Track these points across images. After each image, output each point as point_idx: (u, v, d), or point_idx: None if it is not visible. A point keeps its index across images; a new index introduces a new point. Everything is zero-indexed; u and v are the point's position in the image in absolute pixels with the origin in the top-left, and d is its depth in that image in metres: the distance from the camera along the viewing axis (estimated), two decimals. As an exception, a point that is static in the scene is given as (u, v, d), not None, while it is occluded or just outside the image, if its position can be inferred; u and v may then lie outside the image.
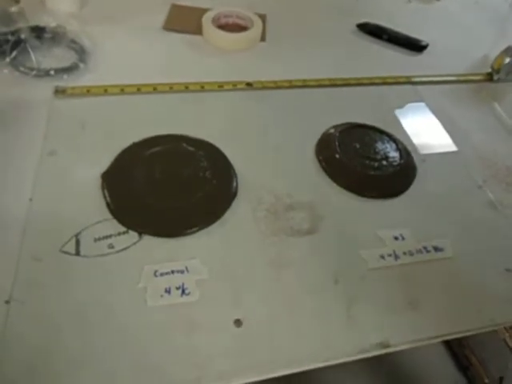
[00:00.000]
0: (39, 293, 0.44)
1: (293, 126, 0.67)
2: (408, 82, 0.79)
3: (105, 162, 0.56)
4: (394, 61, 0.85)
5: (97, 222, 0.50)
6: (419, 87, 0.78)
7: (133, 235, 0.50)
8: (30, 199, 0.51)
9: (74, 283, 0.45)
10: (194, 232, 0.51)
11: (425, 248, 0.53)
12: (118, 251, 0.48)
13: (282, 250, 0.51)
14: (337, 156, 0.60)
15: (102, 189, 0.53)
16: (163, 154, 0.58)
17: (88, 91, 0.66)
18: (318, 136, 0.65)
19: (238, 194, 0.56)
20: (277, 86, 0.73)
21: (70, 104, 0.64)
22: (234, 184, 0.56)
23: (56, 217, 0.50)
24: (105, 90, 0.66)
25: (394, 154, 0.62)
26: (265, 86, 0.73)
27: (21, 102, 0.63)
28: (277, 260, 0.50)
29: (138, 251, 0.49)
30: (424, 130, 0.70)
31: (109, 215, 0.51)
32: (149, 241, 0.50)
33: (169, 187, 0.54)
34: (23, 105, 0.62)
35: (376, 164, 0.60)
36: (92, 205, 0.52)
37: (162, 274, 0.47)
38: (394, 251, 0.52)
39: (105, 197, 0.52)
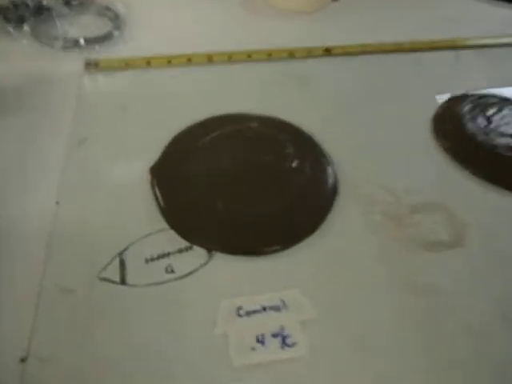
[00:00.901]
0: (69, 344, 0.29)
1: (392, 98, 0.50)
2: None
3: (153, 152, 0.41)
4: None
5: (147, 234, 0.35)
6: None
7: (200, 253, 0.34)
8: (57, 203, 0.37)
9: (118, 327, 0.30)
10: (285, 248, 0.35)
11: None
12: (180, 277, 0.33)
13: (415, 270, 0.35)
14: (469, 136, 0.43)
15: (153, 188, 0.38)
16: (231, 138, 0.42)
17: (126, 64, 0.51)
18: (431, 111, 0.48)
19: (339, 191, 0.40)
20: (362, 50, 0.57)
21: (105, 80, 0.50)
22: (333, 177, 0.40)
23: (91, 228, 0.36)
24: (147, 63, 0.52)
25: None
26: (347, 52, 0.57)
27: (44, 78, 0.49)
28: (412, 285, 0.34)
29: (208, 277, 0.33)
30: None
31: (164, 224, 0.36)
32: (223, 261, 0.34)
33: (245, 184, 0.38)
34: (47, 82, 0.48)
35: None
36: (140, 211, 0.37)
37: (248, 313, 0.31)
38: None
39: (156, 198, 0.37)
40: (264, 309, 0.31)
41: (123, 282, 0.32)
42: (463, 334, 0.31)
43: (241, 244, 0.35)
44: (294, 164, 0.40)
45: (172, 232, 0.35)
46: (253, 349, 0.29)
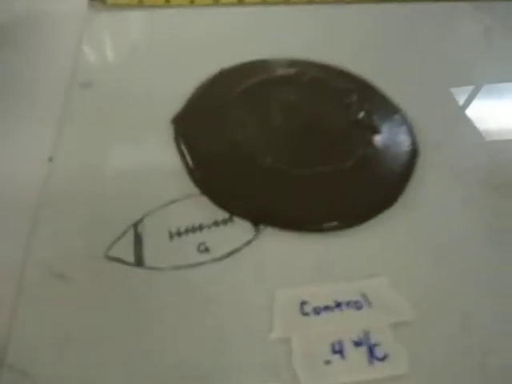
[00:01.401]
0: (60, 351, 0.21)
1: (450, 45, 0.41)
2: None
3: (175, 102, 0.32)
4: None
5: (171, 200, 0.26)
6: None
7: (243, 227, 0.25)
8: (50, 159, 0.28)
9: (132, 327, 0.21)
10: (359, 223, 0.26)
11: None
12: (217, 258, 0.24)
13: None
14: None
15: (177, 143, 0.29)
16: (277, 85, 0.32)
17: (141, 1, 0.42)
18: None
19: (421, 152, 0.30)
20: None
21: (114, 18, 0.41)
22: (410, 135, 0.31)
23: (94, 192, 0.27)
24: (166, 0, 0.43)
25: None
26: None
27: (40, 14, 0.40)
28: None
29: (256, 258, 0.24)
30: None
31: (193, 189, 0.27)
32: (275, 239, 0.25)
33: (299, 140, 0.29)
34: (44, 18, 0.39)
35: None
36: (160, 171, 0.28)
37: (317, 311, 0.22)
38: None
39: (182, 156, 0.28)
40: (338, 305, 0.22)
41: (139, 262, 0.23)
42: None
43: (299, 217, 0.25)
44: (360, 116, 0.31)
45: (204, 199, 0.26)
46: (327, 362, 0.20)
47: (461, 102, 0.34)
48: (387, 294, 0.23)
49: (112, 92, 0.33)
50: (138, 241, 0.24)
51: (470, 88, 0.36)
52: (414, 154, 0.29)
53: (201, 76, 0.34)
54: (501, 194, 0.28)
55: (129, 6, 0.41)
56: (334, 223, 0.25)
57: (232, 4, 0.43)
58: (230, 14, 0.43)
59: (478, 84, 0.36)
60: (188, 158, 0.28)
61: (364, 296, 0.22)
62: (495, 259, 0.25)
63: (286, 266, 0.24)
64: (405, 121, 0.31)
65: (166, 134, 0.30)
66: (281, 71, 0.34)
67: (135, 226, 0.24)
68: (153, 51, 0.38)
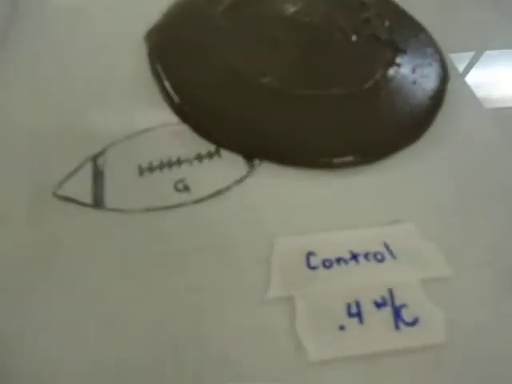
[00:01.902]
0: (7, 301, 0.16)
1: None
2: None
3: (152, 15, 0.26)
4: None
5: (143, 130, 0.21)
6: None
7: (233, 162, 0.20)
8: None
9: (87, 286, 0.16)
10: (377, 159, 0.21)
11: None
12: (199, 199, 0.19)
13: None
14: None
15: (151, 62, 0.23)
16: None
17: None
18: None
19: (451, 78, 0.25)
20: None
21: None
22: (441, 60, 0.25)
23: (43, 114, 0.21)
24: None
25: None
26: None
27: None
28: None
29: (248, 199, 0.19)
30: None
31: (171, 116, 0.21)
32: (275, 176, 0.20)
33: (305, 56, 0.23)
34: None
35: None
36: (128, 95, 0.22)
37: (327, 264, 0.17)
38: None
39: (158, 77, 0.22)
40: (354, 256, 0.17)
41: (98, 203, 0.18)
42: None
43: (303, 149, 0.20)
44: (380, 32, 0.25)
45: (185, 128, 0.21)
46: (341, 328, 0.16)
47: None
48: (415, 243, 0.18)
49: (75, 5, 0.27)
50: (98, 177, 0.19)
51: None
52: (443, 79, 0.24)
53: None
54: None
55: None
56: (348, 158, 0.20)
57: None
58: None
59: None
60: (164, 79, 0.22)
61: (386, 246, 0.18)
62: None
63: (287, 209, 0.19)
64: (432, 42, 0.26)
65: (138, 51, 0.24)
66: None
67: (94, 159, 0.19)
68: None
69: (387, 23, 0.25)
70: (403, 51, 0.24)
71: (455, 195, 0.20)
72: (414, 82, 0.23)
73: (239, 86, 0.21)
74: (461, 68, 0.26)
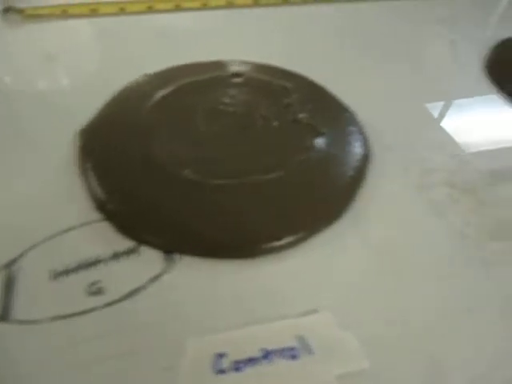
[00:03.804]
0: None
1: (428, 43, 0.37)
2: None
3: (88, 110, 0.27)
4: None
5: (64, 230, 0.21)
6: None
7: (152, 258, 0.20)
8: None
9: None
10: (296, 243, 0.21)
11: None
12: (112, 302, 0.18)
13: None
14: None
15: (81, 159, 0.24)
16: (205, 88, 0.28)
17: (64, 11, 0.38)
18: (479, 56, 0.35)
19: (374, 156, 0.26)
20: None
21: (32, 29, 0.36)
22: (360, 137, 0.26)
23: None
24: (92, 10, 0.38)
25: None
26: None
27: None
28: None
29: (164, 298, 0.19)
30: None
31: (94, 214, 0.22)
32: (192, 270, 0.20)
33: (226, 148, 0.24)
34: None
35: None
36: (57, 190, 0.23)
37: (236, 366, 0.16)
38: None
39: (85, 174, 0.23)
40: (267, 355, 0.17)
41: (4, 315, 0.18)
42: None
43: (221, 240, 0.20)
44: (301, 117, 0.26)
45: (107, 225, 0.21)
46: None
47: (421, 102, 0.30)
48: (332, 334, 0.17)
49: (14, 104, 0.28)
50: (9, 286, 0.18)
51: (427, 88, 0.32)
52: (365, 158, 0.25)
53: (123, 84, 0.30)
54: (478, 202, 0.24)
55: (50, 17, 0.37)
56: (265, 246, 0.20)
57: (168, 10, 0.40)
58: (165, 19, 0.39)
59: (435, 86, 0.32)
60: (91, 176, 0.23)
61: (302, 340, 0.17)
62: (469, 279, 0.20)
63: (202, 305, 0.18)
64: (355, 122, 0.27)
65: (70, 149, 0.25)
66: (214, 73, 0.29)
67: (8, 266, 0.19)
68: (69, 58, 0.33)
69: (309, 107, 0.27)
70: (323, 133, 0.25)
71: (376, 277, 0.20)
72: (335, 163, 0.24)
73: (161, 180, 0.22)
74: (386, 143, 0.27)
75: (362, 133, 0.26)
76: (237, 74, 0.29)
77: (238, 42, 0.36)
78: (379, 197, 0.23)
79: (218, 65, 0.30)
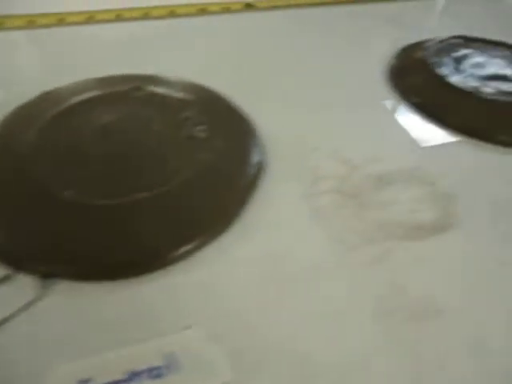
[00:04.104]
0: None
1: (333, 54, 0.38)
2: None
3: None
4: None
5: None
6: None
7: (27, 285, 0.19)
8: None
9: None
10: (175, 261, 0.21)
11: None
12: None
13: (395, 274, 0.22)
14: (441, 84, 0.32)
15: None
16: (101, 105, 0.28)
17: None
18: (382, 63, 0.37)
19: (269, 166, 0.27)
20: (289, 4, 0.46)
21: None
22: (257, 149, 0.27)
23: None
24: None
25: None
26: (272, 6, 0.45)
27: None
28: (388, 299, 0.21)
29: (35, 325, 0.18)
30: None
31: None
32: (68, 294, 0.19)
33: (113, 167, 0.24)
34: None
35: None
36: None
37: (100, 390, 0.17)
38: None
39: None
40: (131, 378, 0.17)
41: None
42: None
43: (97, 263, 0.20)
44: (198, 133, 0.26)
45: (-19, 253, 0.21)
46: None
47: (320, 114, 0.31)
48: (201, 350, 0.18)
49: None
50: None
51: (327, 97, 0.33)
52: (259, 168, 0.25)
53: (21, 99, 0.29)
54: (360, 206, 0.25)
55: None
56: (147, 265, 0.20)
57: (79, 23, 0.39)
58: (75, 31, 0.38)
59: (336, 95, 0.33)
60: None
61: (170, 358, 0.17)
62: (344, 282, 0.21)
63: (73, 331, 0.18)
64: (253, 132, 0.27)
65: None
66: (113, 88, 0.29)
67: None
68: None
69: (207, 119, 0.27)
70: (217, 145, 0.26)
71: (256, 289, 0.20)
72: (227, 174, 0.25)
73: (41, 203, 0.22)
74: (283, 152, 0.28)
75: (258, 143, 0.27)
76: (137, 88, 0.29)
77: (147, 54, 0.36)
78: (269, 206, 0.24)
79: (119, 79, 0.30)
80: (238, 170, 0.25)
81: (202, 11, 0.43)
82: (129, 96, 0.28)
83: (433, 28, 0.43)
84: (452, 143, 0.30)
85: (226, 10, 0.43)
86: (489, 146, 0.30)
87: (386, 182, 0.26)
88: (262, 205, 0.24)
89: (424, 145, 0.29)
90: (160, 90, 0.29)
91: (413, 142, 0.29)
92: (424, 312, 0.20)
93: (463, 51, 0.35)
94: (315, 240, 0.23)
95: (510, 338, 0.19)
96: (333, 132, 0.29)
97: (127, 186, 0.23)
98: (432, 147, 0.29)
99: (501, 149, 0.30)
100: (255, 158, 0.26)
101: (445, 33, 0.39)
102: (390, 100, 0.33)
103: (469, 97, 0.31)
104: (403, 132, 0.30)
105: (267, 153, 0.27)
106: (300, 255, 0.22)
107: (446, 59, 0.34)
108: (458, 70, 0.33)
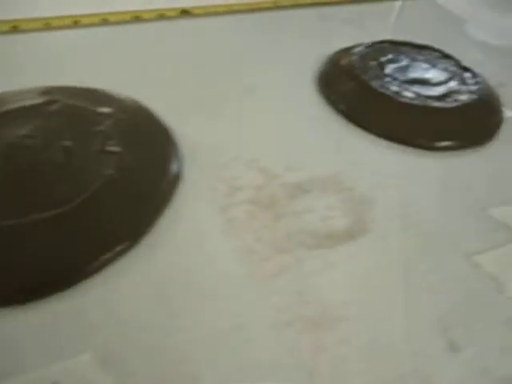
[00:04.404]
0: None
1: (264, 61, 0.38)
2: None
3: None
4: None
5: None
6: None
7: None
8: None
9: None
10: (82, 279, 0.20)
11: None
12: None
13: (301, 284, 0.22)
14: (365, 87, 0.32)
15: None
16: (9, 121, 0.27)
17: None
18: (313, 69, 0.37)
19: (185, 176, 0.26)
20: (230, 10, 0.45)
21: None
22: (175, 161, 0.26)
23: None
24: None
25: (461, 74, 0.35)
26: (208, 12, 0.45)
27: None
28: (291, 309, 0.21)
29: None
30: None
31: None
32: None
33: (14, 186, 0.23)
34: None
35: (438, 90, 0.33)
36: None
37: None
38: (541, 245, 0.24)
39: None
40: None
41: None
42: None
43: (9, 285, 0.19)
44: (110, 143, 0.26)
45: None
46: None
47: (244, 124, 0.31)
48: (87, 377, 0.17)
49: None
50: None
51: (252, 107, 0.33)
52: (173, 180, 0.25)
53: None
54: (275, 217, 0.25)
55: None
56: (47, 288, 0.19)
57: (3, 32, 0.38)
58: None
59: (264, 104, 0.34)
60: None
61: (55, 386, 0.17)
62: (249, 295, 0.21)
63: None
64: (171, 143, 0.27)
65: None
66: (26, 102, 0.28)
67: None
68: None
69: (122, 132, 0.27)
70: (130, 158, 0.25)
71: (152, 311, 0.20)
72: (137, 188, 0.24)
73: None
74: (202, 163, 0.27)
75: (177, 155, 0.27)
76: (52, 102, 0.28)
77: (74, 65, 0.35)
78: (182, 219, 0.24)
79: (35, 92, 0.29)
80: (152, 184, 0.24)
81: (136, 18, 0.42)
82: (42, 110, 0.27)
83: (387, 31, 0.44)
84: (375, 149, 0.30)
85: (161, 16, 0.43)
86: (410, 150, 0.30)
87: (304, 191, 0.26)
88: (174, 218, 0.24)
89: (347, 151, 0.29)
90: (78, 102, 0.29)
91: (336, 149, 0.30)
92: (325, 320, 0.20)
93: (389, 56, 0.36)
94: (224, 253, 0.22)
95: (407, 343, 0.20)
96: (255, 141, 0.29)
97: (29, 204, 0.22)
98: (355, 153, 0.29)
99: (421, 152, 0.30)
100: (172, 170, 0.25)
101: (399, 36, 0.40)
102: (316, 107, 0.33)
103: (390, 102, 0.31)
104: (327, 139, 0.30)
105: (186, 165, 0.27)
106: (208, 269, 0.22)
107: (371, 64, 0.34)
108: (381, 75, 0.33)
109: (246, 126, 0.30)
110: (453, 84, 0.33)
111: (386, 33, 0.43)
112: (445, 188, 0.27)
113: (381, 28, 0.45)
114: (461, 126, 0.31)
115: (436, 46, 0.39)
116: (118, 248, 0.21)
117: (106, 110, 0.28)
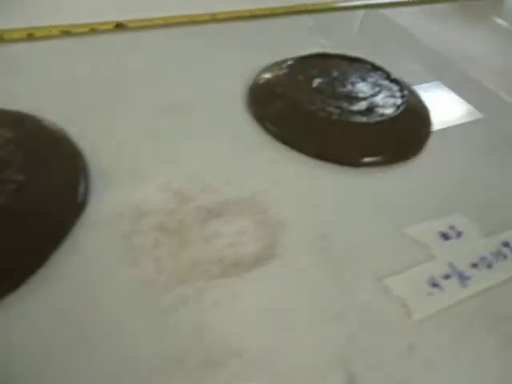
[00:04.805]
0: None
1: (196, 77, 0.37)
2: (366, 5, 0.54)
3: None
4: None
5: None
6: (384, 10, 0.53)
7: None
8: None
9: None
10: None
11: (506, 245, 0.25)
12: None
13: (199, 317, 0.21)
14: (291, 104, 0.32)
15: None
16: None
17: None
18: (245, 83, 0.36)
19: (91, 202, 0.25)
20: (166, 23, 0.44)
21: None
22: (82, 186, 0.25)
23: None
24: None
25: (390, 87, 0.34)
26: (144, 26, 0.43)
27: None
28: (187, 344, 0.20)
29: None
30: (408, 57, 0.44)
31: None
32: None
33: None
34: None
35: (363, 105, 0.32)
36: None
37: None
38: (452, 265, 0.24)
39: None
40: None
41: None
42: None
43: None
44: (9, 174, 0.24)
45: None
46: None
47: (158, 141, 0.30)
48: None
49: None
50: None
51: (176, 124, 0.32)
52: (77, 208, 0.24)
53: None
54: (182, 244, 0.24)
55: None
56: None
57: None
58: None
59: (186, 122, 0.33)
60: None
61: None
62: (144, 329, 0.20)
63: None
64: (78, 167, 0.26)
65: None
66: None
67: None
68: None
69: (23, 159, 0.25)
70: (30, 187, 0.24)
71: (50, 350, 0.19)
72: (33, 218, 0.23)
73: None
74: (113, 188, 0.26)
75: (85, 180, 0.25)
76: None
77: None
78: (78, 253, 0.22)
79: None
80: (49, 214, 0.23)
81: (66, 33, 0.40)
82: None
83: (325, 44, 0.44)
84: (299, 168, 0.29)
85: (93, 31, 0.41)
86: (337, 168, 0.30)
87: (216, 215, 0.25)
88: (72, 250, 0.22)
89: (268, 172, 0.29)
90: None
91: (257, 170, 0.29)
92: (219, 356, 0.19)
93: (318, 69, 0.35)
94: (121, 286, 0.21)
95: (305, 377, 0.19)
96: (172, 162, 0.28)
97: None
98: (277, 174, 0.28)
99: (348, 169, 0.30)
100: (76, 198, 0.24)
101: (336, 49, 0.40)
102: (243, 125, 0.32)
103: (315, 118, 0.31)
104: (249, 159, 0.29)
105: (96, 190, 0.25)
106: (103, 306, 0.20)
107: (299, 78, 0.34)
108: (309, 90, 0.33)
109: (165, 148, 0.29)
110: (380, 97, 0.33)
111: (322, 46, 0.43)
112: (363, 207, 0.27)
113: (317, 40, 0.45)
114: (385, 140, 0.31)
115: (372, 58, 0.39)
116: (5, 286, 0.20)
117: (7, 133, 0.27)
